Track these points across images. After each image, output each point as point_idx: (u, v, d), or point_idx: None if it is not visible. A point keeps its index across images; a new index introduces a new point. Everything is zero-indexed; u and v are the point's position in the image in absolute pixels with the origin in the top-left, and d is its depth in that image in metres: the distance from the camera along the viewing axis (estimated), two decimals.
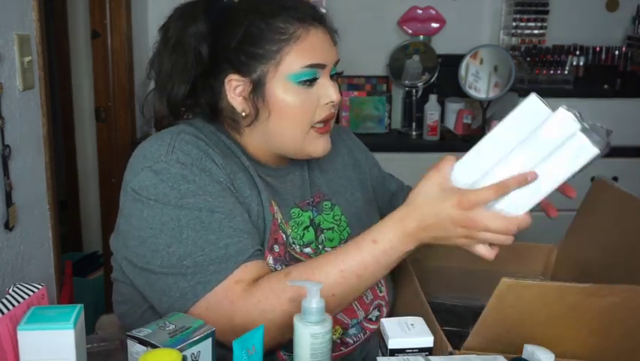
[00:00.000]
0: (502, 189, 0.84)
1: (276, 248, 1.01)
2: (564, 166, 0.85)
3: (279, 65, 0.97)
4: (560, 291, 0.85)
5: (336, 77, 1.06)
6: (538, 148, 0.86)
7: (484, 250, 0.88)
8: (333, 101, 1.01)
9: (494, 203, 0.86)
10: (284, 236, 1.03)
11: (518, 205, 0.86)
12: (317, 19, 1.01)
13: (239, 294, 0.90)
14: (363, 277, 0.92)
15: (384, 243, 0.91)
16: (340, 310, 0.98)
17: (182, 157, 0.95)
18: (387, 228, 0.91)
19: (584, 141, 0.84)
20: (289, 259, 1.02)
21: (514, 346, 0.87)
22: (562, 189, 0.89)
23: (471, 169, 0.89)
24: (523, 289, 0.85)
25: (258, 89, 0.99)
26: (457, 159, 0.90)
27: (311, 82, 0.99)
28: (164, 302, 0.93)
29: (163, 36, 1.04)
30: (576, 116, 0.86)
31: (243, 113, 1.01)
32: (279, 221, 1.03)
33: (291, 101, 0.98)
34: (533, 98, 0.88)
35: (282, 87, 0.98)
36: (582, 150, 0.84)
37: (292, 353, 0.84)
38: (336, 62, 1.04)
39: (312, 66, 0.98)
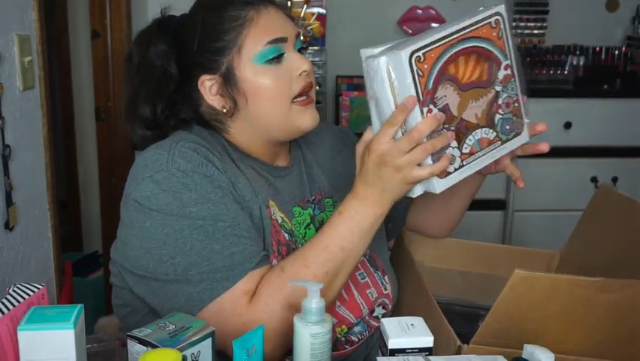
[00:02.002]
0: (392, 120, 0.89)
1: (280, 249, 1.02)
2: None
3: (240, 50, 1.00)
4: (570, 284, 0.87)
5: (303, 50, 1.07)
6: None
7: (425, 171, 0.90)
8: (305, 71, 1.02)
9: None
10: (286, 236, 1.03)
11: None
12: None
13: (246, 306, 0.91)
14: (347, 249, 0.94)
15: (348, 211, 0.95)
16: (339, 289, 0.98)
17: (183, 165, 0.95)
18: (346, 199, 0.96)
19: None
20: None
21: (523, 342, 0.87)
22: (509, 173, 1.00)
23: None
24: (535, 281, 0.86)
25: (229, 81, 1.01)
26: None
27: (277, 59, 1.00)
28: (167, 309, 0.93)
29: (127, 64, 1.07)
30: None
31: (224, 110, 1.02)
32: (280, 222, 1.03)
33: (262, 82, 1.00)
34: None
35: (251, 70, 1.00)
36: None
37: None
38: (298, 35, 1.05)
39: (272, 42, 1.00)
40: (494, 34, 0.93)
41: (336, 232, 0.94)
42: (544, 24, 2.97)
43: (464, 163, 0.93)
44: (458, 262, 1.35)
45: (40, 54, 1.60)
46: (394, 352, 0.81)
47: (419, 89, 0.87)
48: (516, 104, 0.98)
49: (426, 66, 0.87)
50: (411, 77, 0.86)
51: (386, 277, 1.12)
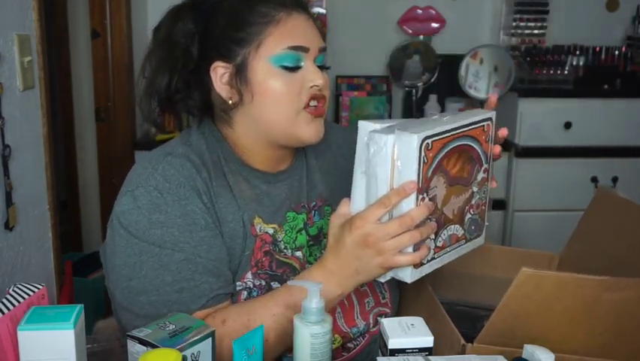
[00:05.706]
0: (386, 201, 0.84)
1: (261, 262, 1.01)
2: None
3: (259, 47, 0.98)
4: (577, 283, 0.87)
5: (324, 69, 1.03)
6: None
7: (406, 259, 0.85)
8: (317, 86, 1.00)
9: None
10: (271, 247, 1.03)
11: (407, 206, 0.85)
12: (299, 4, 1.02)
13: None
14: None
15: None
16: (277, 353, 0.95)
17: (161, 183, 0.95)
18: (313, 269, 0.93)
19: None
20: (276, 267, 1.02)
21: (527, 341, 0.87)
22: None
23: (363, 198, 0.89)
24: (542, 279, 0.87)
25: (240, 73, 0.99)
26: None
27: (294, 69, 0.98)
28: (124, 329, 0.95)
29: (154, 36, 1.06)
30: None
31: (230, 101, 1.01)
32: (272, 232, 1.03)
33: (272, 84, 0.98)
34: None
35: (264, 70, 0.98)
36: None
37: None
38: (322, 50, 1.02)
39: (293, 48, 0.98)
40: (483, 137, 0.94)
41: (290, 301, 0.92)
42: (544, 24, 2.97)
43: (435, 256, 0.91)
44: (458, 263, 1.35)
45: (40, 54, 1.60)
46: (394, 352, 0.81)
47: (420, 176, 0.84)
48: (483, 207, 0.98)
49: (431, 154, 0.85)
50: (417, 163, 0.83)
51: (385, 285, 1.11)
